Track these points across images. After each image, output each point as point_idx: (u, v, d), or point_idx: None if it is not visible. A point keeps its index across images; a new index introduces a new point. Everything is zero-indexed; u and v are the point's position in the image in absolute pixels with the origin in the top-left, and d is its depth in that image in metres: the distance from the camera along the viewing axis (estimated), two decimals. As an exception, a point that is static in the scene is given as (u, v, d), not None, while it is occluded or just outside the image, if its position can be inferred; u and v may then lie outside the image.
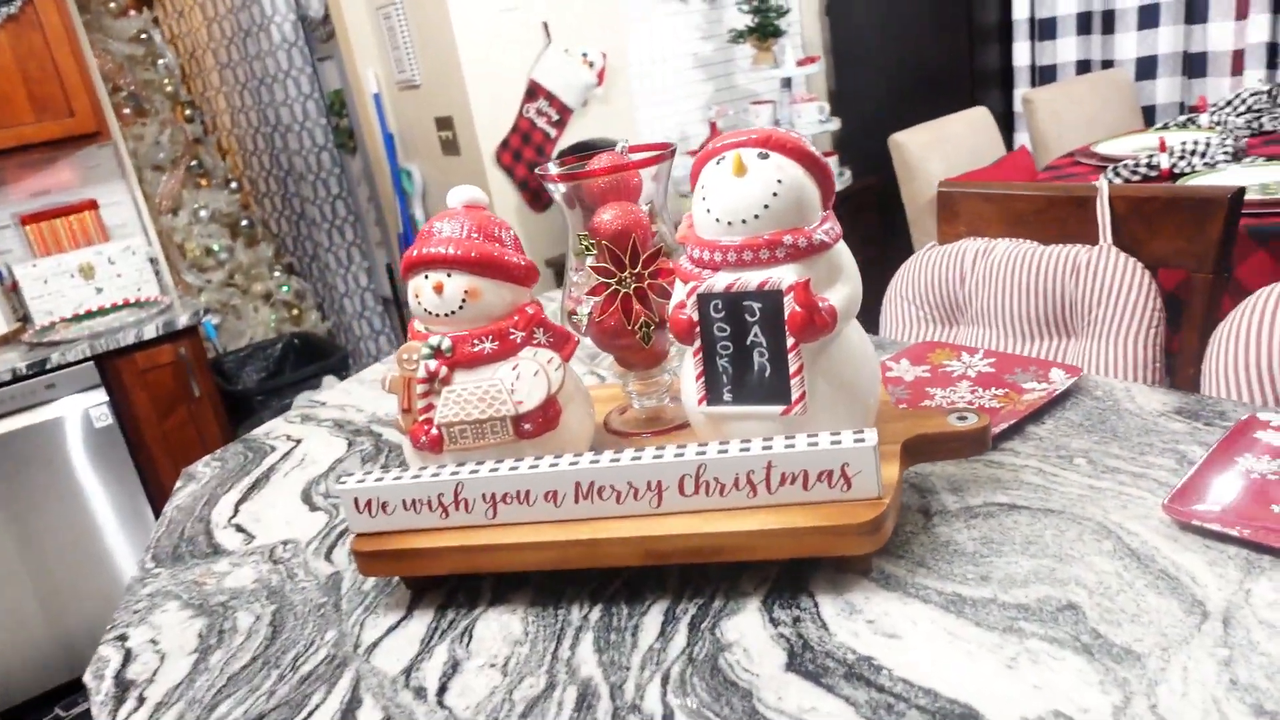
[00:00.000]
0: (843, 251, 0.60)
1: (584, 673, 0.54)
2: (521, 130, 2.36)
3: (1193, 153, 1.38)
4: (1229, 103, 1.63)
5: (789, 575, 0.59)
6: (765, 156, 0.57)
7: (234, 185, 3.38)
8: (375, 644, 0.60)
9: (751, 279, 0.57)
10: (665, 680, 0.52)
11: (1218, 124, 1.61)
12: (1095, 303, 0.89)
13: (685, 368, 0.63)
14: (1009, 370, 0.82)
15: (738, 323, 0.58)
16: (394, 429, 0.96)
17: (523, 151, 2.36)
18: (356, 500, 0.62)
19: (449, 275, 0.62)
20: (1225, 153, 1.37)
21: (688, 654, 0.54)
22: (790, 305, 0.56)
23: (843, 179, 2.62)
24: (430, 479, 0.61)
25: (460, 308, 0.62)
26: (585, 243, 0.66)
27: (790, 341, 0.57)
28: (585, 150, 2.37)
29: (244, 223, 3.38)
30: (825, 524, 0.55)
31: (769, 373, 0.58)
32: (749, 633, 0.55)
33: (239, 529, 0.80)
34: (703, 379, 0.60)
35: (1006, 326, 0.97)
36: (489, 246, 0.62)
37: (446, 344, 0.62)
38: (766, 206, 0.56)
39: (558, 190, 0.69)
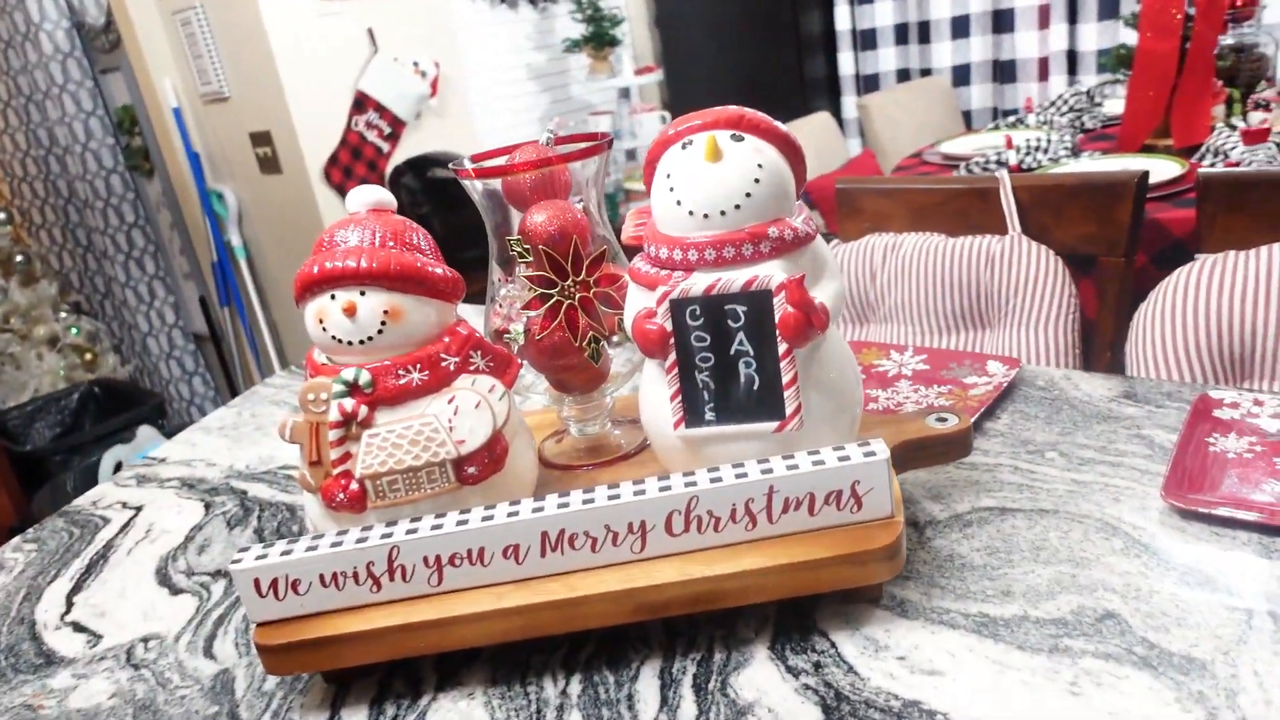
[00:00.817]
0: (822, 244, 0.53)
1: (582, 765, 0.44)
2: (351, 144, 2.19)
3: (1036, 149, 1.45)
4: (1053, 104, 1.74)
5: (790, 612, 0.52)
6: (740, 139, 0.50)
7: (1, 216, 2.95)
8: (298, 762, 0.48)
9: (735, 279, 0.49)
10: (686, 762, 0.43)
11: (1044, 124, 1.72)
12: (1012, 292, 0.89)
13: (648, 388, 0.55)
14: (943, 365, 0.79)
15: (719, 330, 0.50)
16: (264, 484, 0.81)
17: (354, 168, 2.19)
18: (258, 582, 0.50)
19: (362, 294, 0.50)
20: (1065, 148, 1.45)
21: (703, 724, 0.45)
22: (781, 306, 0.49)
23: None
24: (356, 545, 0.49)
25: (379, 332, 0.51)
26: (518, 248, 0.56)
27: (783, 348, 0.50)
28: (427, 164, 2.23)
29: (18, 258, 2.95)
30: (840, 552, 0.48)
31: (757, 385, 0.51)
32: (768, 689, 0.47)
33: (78, 628, 0.64)
34: (679, 398, 0.52)
35: (921, 322, 0.95)
36: (409, 257, 0.51)
37: (364, 378, 0.51)
38: (748, 195, 0.49)
39: (475, 190, 0.59)
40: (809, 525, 0.50)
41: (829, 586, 0.49)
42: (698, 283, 0.50)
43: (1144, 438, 0.64)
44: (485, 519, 0.49)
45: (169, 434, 2.11)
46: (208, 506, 0.79)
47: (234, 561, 0.50)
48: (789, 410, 0.50)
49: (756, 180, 0.49)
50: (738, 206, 0.49)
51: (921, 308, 0.95)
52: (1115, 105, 1.80)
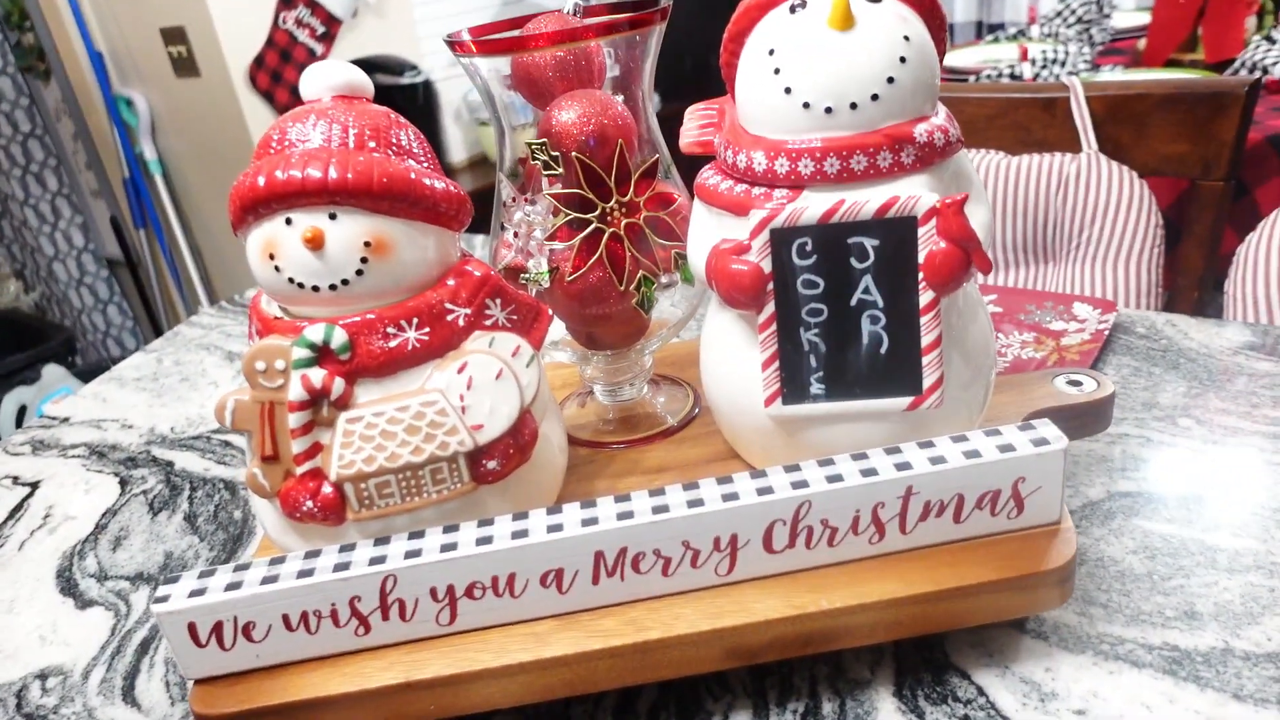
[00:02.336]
0: (966, 156, 0.39)
1: None
2: (279, 45, 1.95)
3: (1054, 61, 1.32)
4: (1058, 14, 1.61)
5: (912, 642, 0.40)
6: (877, 0, 0.35)
7: (-125, 123, 2.60)
8: None
9: (866, 200, 0.35)
10: None
11: (1049, 36, 1.59)
12: (1088, 220, 0.77)
13: (721, 350, 0.41)
14: (1019, 309, 0.66)
15: (836, 273, 0.37)
16: (195, 453, 0.65)
17: (282, 71, 1.95)
18: (193, 628, 0.35)
19: (332, 217, 0.35)
20: (1085, 61, 1.32)
21: (831, 817, 0.33)
22: (929, 239, 0.35)
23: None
24: (335, 575, 0.35)
25: (358, 273, 0.36)
26: (542, 155, 0.41)
27: (926, 297, 0.36)
28: (369, 69, 2.00)
29: (-104, 172, 2.62)
30: (1002, 575, 0.36)
31: (885, 348, 0.37)
32: (910, 760, 0.35)
33: (-50, 658, 0.49)
34: (775, 365, 0.38)
35: (971, 254, 0.83)
36: (397, 164, 0.36)
37: (339, 338, 0.35)
38: (890, 81, 0.35)
39: (478, 73, 0.43)
40: (952, 536, 0.37)
41: (984, 619, 0.37)
42: (812, 205, 0.36)
43: (1294, 401, 0.53)
44: (517, 535, 0.35)
45: (81, 374, 1.90)
46: (124, 483, 0.63)
47: (157, 599, 0.35)
48: (928, 382, 0.37)
49: (902, 59, 0.35)
50: (875, 97, 0.35)
51: (975, 238, 0.82)
52: (1124, 18, 1.68)
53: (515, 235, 0.44)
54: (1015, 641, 0.39)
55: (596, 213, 0.42)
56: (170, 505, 0.60)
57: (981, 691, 0.37)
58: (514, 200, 0.44)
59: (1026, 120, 0.82)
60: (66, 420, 0.74)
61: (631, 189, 0.42)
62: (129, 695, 0.44)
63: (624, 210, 0.42)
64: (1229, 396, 0.54)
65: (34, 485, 0.65)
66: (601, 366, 0.49)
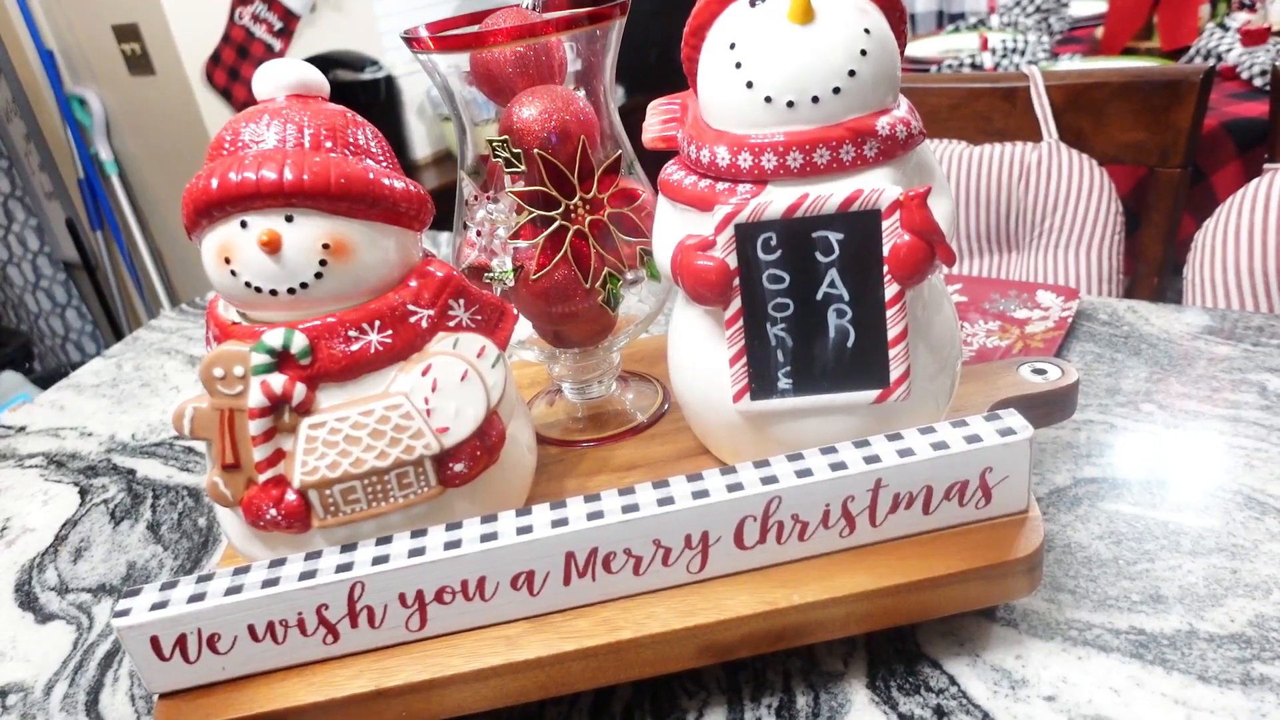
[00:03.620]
0: (928, 147, 0.40)
1: None
2: (235, 41, 1.91)
3: (1014, 50, 1.33)
4: (1017, 3, 1.62)
5: (883, 634, 0.40)
6: (836, -9, 0.35)
7: None
8: None
9: (829, 194, 0.35)
10: None
11: (1009, 25, 1.60)
12: (1049, 209, 0.78)
13: (690, 346, 0.41)
14: (984, 298, 0.67)
15: (802, 267, 0.36)
16: (157, 460, 0.64)
17: (240, 68, 1.92)
18: (156, 641, 0.34)
19: (289, 219, 0.34)
20: (1044, 50, 1.34)
21: (806, 811, 0.33)
22: (894, 233, 0.35)
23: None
24: (300, 584, 0.34)
25: (317, 276, 0.35)
26: (504, 152, 0.41)
27: (891, 290, 0.36)
28: (326, 65, 1.97)
29: None
30: (970, 565, 0.36)
31: (853, 341, 0.37)
32: (883, 751, 0.35)
33: (-95, 678, 0.47)
34: (743, 360, 0.38)
35: (936, 244, 0.83)
36: (355, 164, 0.35)
37: (299, 342, 0.35)
38: (851, 74, 0.35)
39: (436, 69, 0.42)
40: (921, 527, 0.37)
41: (954, 609, 0.37)
42: (776, 200, 0.35)
43: (1252, 383, 0.54)
44: (486, 538, 0.35)
45: (39, 381, 1.86)
46: (84, 493, 0.62)
47: (118, 613, 0.34)
48: (895, 374, 0.37)
49: (863, 52, 0.35)
50: (836, 90, 0.35)
51: (939, 227, 0.82)
52: (1081, 6, 1.70)
53: (478, 234, 0.43)
54: (985, 630, 0.40)
55: (560, 210, 0.42)
56: (132, 514, 0.59)
57: (953, 681, 0.37)
58: (476, 198, 0.43)
59: (988, 110, 0.83)
60: (23, 429, 0.72)
61: (595, 185, 0.42)
62: (92, 710, 0.43)
63: (588, 207, 0.42)
64: (1189, 381, 0.55)
65: (-10, 497, 0.63)
66: (569, 364, 0.49)
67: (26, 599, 0.52)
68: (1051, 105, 0.80)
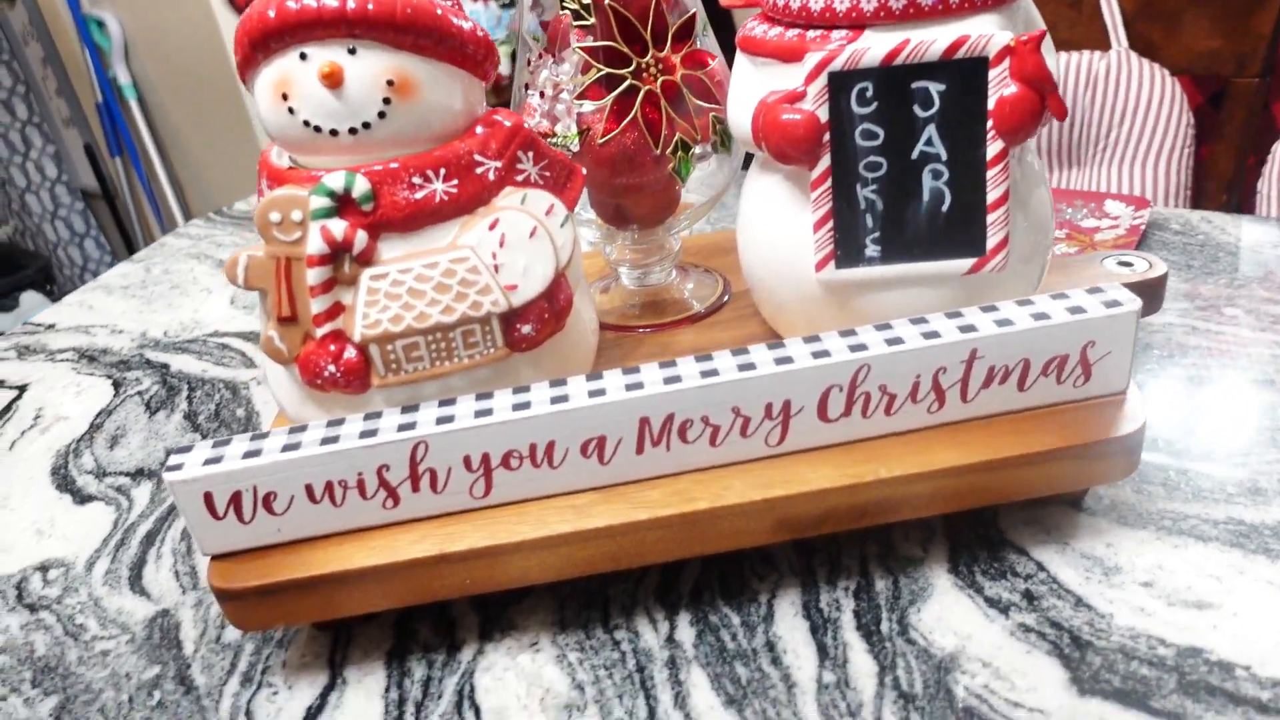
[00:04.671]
0: (1031, 2, 0.37)
1: (727, 755, 0.30)
2: (257, -37, 1.86)
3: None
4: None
5: (963, 521, 0.38)
6: None
7: None
8: (290, 756, 0.33)
9: (933, 39, 0.32)
10: (882, 747, 0.30)
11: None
12: (1116, 121, 0.74)
13: (763, 215, 0.39)
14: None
15: (899, 122, 0.34)
16: (190, 355, 0.63)
17: (261, -9, 1.87)
18: (209, 498, 0.33)
19: (352, 52, 0.32)
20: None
21: (889, 683, 0.32)
22: (1001, 83, 0.33)
23: None
24: (361, 442, 0.32)
25: (381, 116, 0.33)
26: (571, 4, 0.38)
27: (995, 148, 0.34)
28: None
29: None
30: (1070, 443, 0.34)
31: (948, 205, 0.35)
32: (970, 631, 0.33)
33: (-57, 553, 0.46)
34: (829, 225, 0.36)
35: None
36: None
37: (361, 186, 0.33)
38: (965, -98, 0.32)
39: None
40: (1014, 405, 0.35)
41: (1048, 490, 0.35)
42: (875, 46, 0.33)
43: (1341, 290, 0.51)
44: (556, 400, 0.33)
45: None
46: (117, 385, 0.60)
47: (169, 467, 0.33)
48: (992, 242, 0.35)
49: (979, -122, 0.32)
50: (948, -79, 0.32)
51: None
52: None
53: (540, 96, 0.40)
54: (1072, 519, 0.38)
55: (631, 68, 0.39)
56: (168, 405, 0.57)
57: (1041, 567, 0.36)
58: (539, 58, 0.40)
59: (1053, 18, 0.79)
60: (52, 327, 0.71)
61: (668, 43, 0.39)
62: (136, 585, 0.42)
63: (660, 68, 0.39)
64: (1274, 287, 0.52)
65: (21, 388, 0.62)
66: (628, 246, 0.46)
67: (63, 481, 0.51)
68: (1122, 13, 0.76)
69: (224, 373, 0.60)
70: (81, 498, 0.49)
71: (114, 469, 0.51)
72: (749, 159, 0.41)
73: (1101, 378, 0.35)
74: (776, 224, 0.38)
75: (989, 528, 0.38)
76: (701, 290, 0.49)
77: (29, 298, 1.77)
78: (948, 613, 0.34)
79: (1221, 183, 0.78)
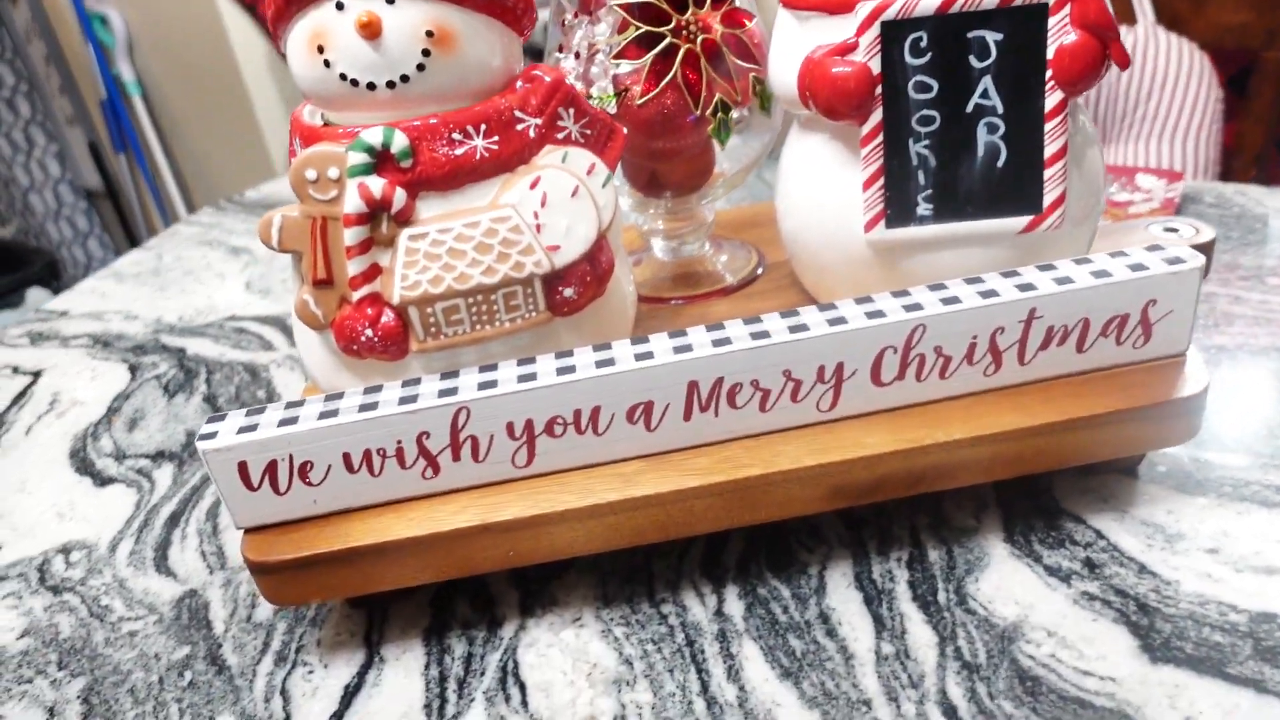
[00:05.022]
0: (1086, -50, 0.35)
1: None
2: (260, -43, 1.85)
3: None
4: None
5: (1014, 490, 0.37)
6: None
7: None
8: (331, 734, 0.31)
9: (991, -15, 0.31)
10: (947, 709, 0.28)
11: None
12: (1143, 96, 0.73)
13: (805, 176, 0.38)
14: (1079, 182, 0.63)
15: (953, 74, 0.33)
16: (208, 339, 0.61)
17: (265, -14, 1.85)
18: (244, 467, 0.32)
19: (390, 1, 0.31)
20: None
21: (950, 653, 0.30)
22: (1061, 31, 0.32)
23: None
24: (401, 409, 0.31)
25: (419, 69, 0.31)
26: (610, -40, 0.37)
27: (1053, 99, 0.32)
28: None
29: None
30: (1132, 405, 0.33)
31: (1004, 160, 0.34)
32: (1032, 600, 0.32)
33: (-38, 536, 0.45)
34: (880, 183, 0.34)
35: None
36: (460, -53, 0.32)
37: (400, 142, 0.31)
38: None
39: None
40: (1072, 368, 0.34)
41: (1109, 453, 0.34)
42: (931, -7, 0.32)
43: (1388, 258, 0.50)
44: (602, 363, 0.32)
45: (65, 300, 1.83)
46: (134, 370, 0.59)
47: (203, 435, 0.32)
48: (1049, 198, 0.34)
49: None
50: None
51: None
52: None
53: (575, 57, 0.39)
54: (1129, 486, 0.36)
55: (670, 26, 0.38)
56: (187, 388, 0.56)
57: (1101, 535, 0.34)
58: (574, 17, 0.39)
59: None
60: (64, 314, 0.70)
61: (707, 3, 0.38)
62: (162, 565, 0.41)
63: (701, 24, 0.38)
64: (1318, 256, 0.51)
65: (36, 374, 0.61)
66: (660, 215, 0.45)
67: (82, 464, 0.49)
68: (1149, -13, 0.75)
69: (242, 355, 0.59)
70: (101, 480, 0.48)
71: (134, 451, 0.50)
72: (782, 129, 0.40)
73: (1162, 338, 0.34)
74: (822, 185, 0.37)
75: (1043, 496, 0.37)
76: (736, 262, 0.47)
77: (35, 294, 1.76)
78: (1007, 582, 0.33)
79: (1250, 158, 0.77)
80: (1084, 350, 0.34)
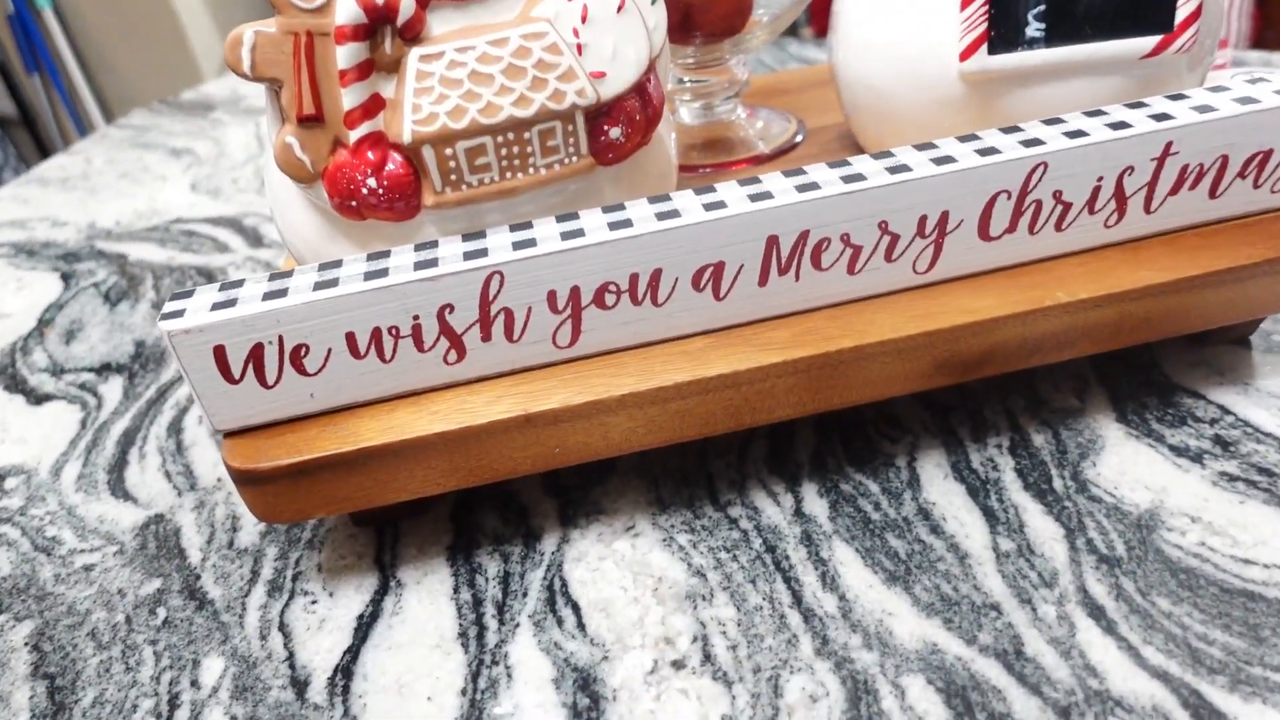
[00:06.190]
0: None
1: (910, 635, 0.24)
2: None
3: None
4: None
5: (1115, 366, 0.33)
6: None
7: None
8: (342, 670, 0.26)
9: None
10: (1093, 609, 0.24)
11: None
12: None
13: (872, 8, 0.32)
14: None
15: None
16: (153, 243, 0.54)
17: (184, -116, 1.69)
18: (222, 352, 0.25)
19: None
20: None
21: (1082, 546, 0.26)
22: None
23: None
24: (416, 276, 0.25)
25: None
26: None
27: (1199, -115, 0.27)
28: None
29: None
30: (1278, 253, 0.28)
31: (1131, -33, 0.28)
32: (1164, 484, 0.28)
33: None
34: (979, 2, 0.29)
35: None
36: None
37: (403, -66, 0.25)
38: None
39: None
40: (1200, 217, 0.29)
41: (1250, 313, 0.29)
42: None
43: None
44: (664, 215, 0.26)
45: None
46: (66, 278, 0.51)
47: (166, 315, 0.25)
48: (1182, 14, 0.28)
49: None
50: None
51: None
52: None
53: None
54: (1244, 359, 0.32)
55: None
56: (131, 295, 0.49)
57: (1226, 410, 0.30)
58: None
59: None
60: (-19, 223, 0.61)
61: None
62: (118, 489, 0.34)
63: None
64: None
65: (-49, 287, 0.52)
66: (689, 67, 0.39)
67: (12, 381, 0.42)
68: None
69: (194, 259, 0.51)
70: (37, 398, 0.41)
71: (74, 365, 0.43)
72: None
73: (1304, 181, 0.29)
74: (899, 10, 0.31)
75: (1150, 371, 0.32)
76: (773, 129, 0.41)
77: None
78: (1129, 465, 0.29)
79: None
80: (1217, 195, 0.29)
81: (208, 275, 0.49)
